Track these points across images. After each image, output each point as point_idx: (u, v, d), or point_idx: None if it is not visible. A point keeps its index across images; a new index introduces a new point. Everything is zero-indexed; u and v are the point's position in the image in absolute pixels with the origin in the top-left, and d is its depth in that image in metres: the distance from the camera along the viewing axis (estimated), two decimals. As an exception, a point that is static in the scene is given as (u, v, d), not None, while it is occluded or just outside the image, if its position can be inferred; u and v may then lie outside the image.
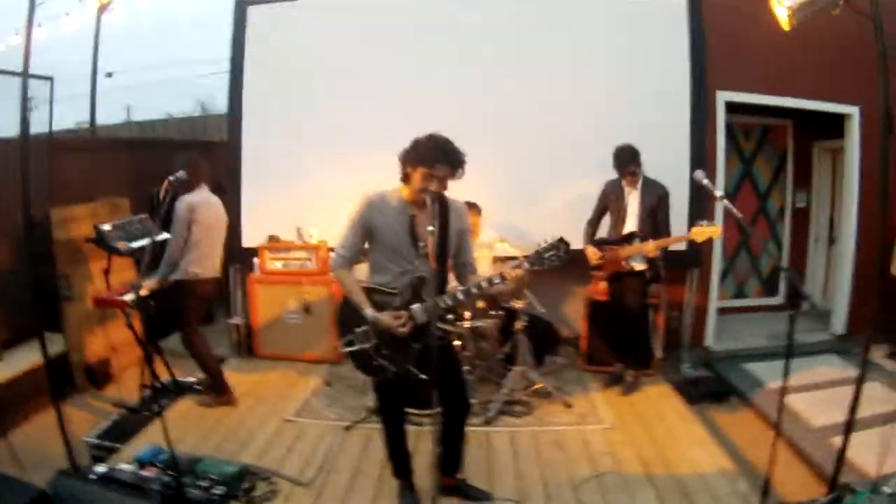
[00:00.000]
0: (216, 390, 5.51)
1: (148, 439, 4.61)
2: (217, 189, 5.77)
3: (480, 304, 5.49)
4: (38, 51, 4.17)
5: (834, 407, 5.14)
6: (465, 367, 5.12)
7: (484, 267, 5.71)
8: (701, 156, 6.57)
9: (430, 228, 3.17)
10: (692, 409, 5.55)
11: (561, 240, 3.39)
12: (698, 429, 5.12)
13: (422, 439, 4.42)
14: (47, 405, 4.92)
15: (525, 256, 3.42)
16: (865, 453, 4.28)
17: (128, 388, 5.73)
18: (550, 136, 6.76)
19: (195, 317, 5.53)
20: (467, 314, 5.39)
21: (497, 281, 3.46)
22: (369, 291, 3.54)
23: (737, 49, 6.70)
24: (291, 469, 4.41)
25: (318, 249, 6.61)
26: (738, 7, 6.48)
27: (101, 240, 5.66)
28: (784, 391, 3.45)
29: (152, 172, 5.36)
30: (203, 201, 5.30)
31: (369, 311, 3.45)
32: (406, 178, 3.49)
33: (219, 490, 3.95)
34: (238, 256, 7.02)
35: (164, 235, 5.35)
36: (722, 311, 7.42)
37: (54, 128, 8.49)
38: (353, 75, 6.97)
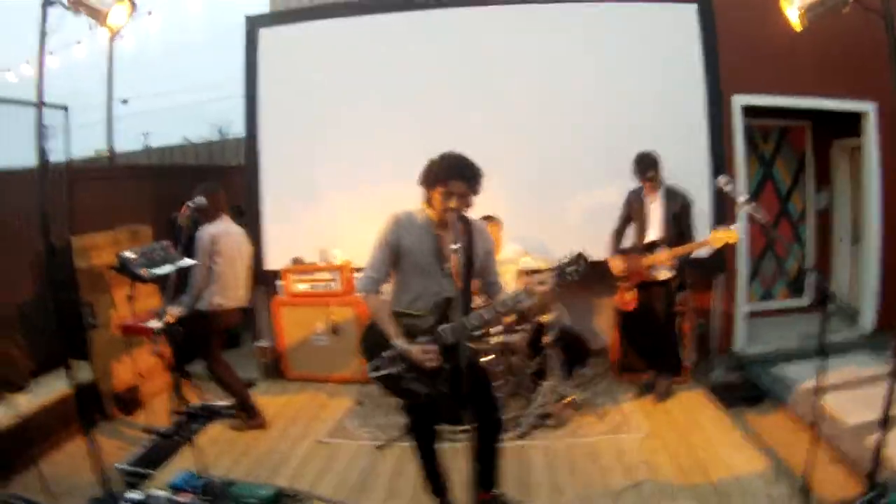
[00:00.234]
0: (248, 413, 5.50)
1: (180, 465, 4.62)
2: (237, 213, 5.77)
3: (508, 318, 5.44)
4: (51, 80, 4.20)
5: (867, 405, 5.05)
6: (496, 383, 5.08)
7: (508, 281, 5.69)
8: (720, 161, 6.54)
9: (454, 247, 3.15)
10: (726, 413, 5.50)
11: (580, 255, 3.36)
12: (733, 433, 5.08)
13: (457, 456, 4.38)
14: (76, 434, 4.93)
15: (549, 270, 3.40)
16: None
17: (157, 414, 5.74)
18: (568, 146, 6.74)
19: (217, 345, 5.54)
20: (496, 329, 5.35)
21: (522, 298, 3.42)
22: (396, 315, 3.50)
23: (750, 52, 6.67)
24: (326, 490, 4.39)
25: (342, 270, 6.59)
26: (749, 10, 6.45)
27: (124, 267, 5.66)
28: (819, 392, 3.39)
29: (172, 199, 5.38)
30: (224, 232, 5.33)
31: (399, 342, 3.41)
32: (429, 201, 3.50)
33: (255, 513, 3.93)
34: (262, 279, 7.01)
35: (187, 262, 5.34)
36: (750, 315, 7.33)
37: (73, 156, 8.53)
38: (369, 94, 6.97)
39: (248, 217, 7.02)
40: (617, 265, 5.77)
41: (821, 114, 7.36)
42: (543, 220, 6.68)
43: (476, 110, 6.76)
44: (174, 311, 5.15)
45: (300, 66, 7.15)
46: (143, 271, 5.65)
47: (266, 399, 5.96)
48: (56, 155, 7.84)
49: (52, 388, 5.53)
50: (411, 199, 3.59)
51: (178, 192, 5.12)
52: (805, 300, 8.46)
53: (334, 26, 7.09)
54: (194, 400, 5.76)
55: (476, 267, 3.59)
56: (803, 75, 6.79)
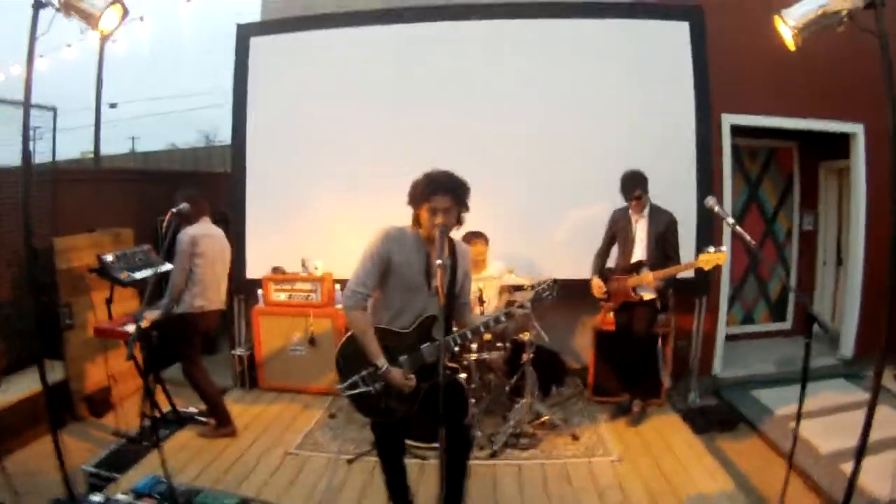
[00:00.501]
0: (217, 421, 5.45)
1: (147, 470, 4.56)
2: (221, 221, 5.75)
3: (487, 336, 5.42)
4: (40, 81, 4.18)
5: (842, 432, 5.09)
6: (471, 400, 5.05)
7: (491, 296, 5.69)
8: (707, 180, 6.52)
9: (440, 262, 3.11)
10: (700, 438, 5.47)
11: (554, 281, 3.64)
12: (707, 459, 5.04)
13: (426, 472, 4.35)
14: (45, 433, 4.89)
15: (528, 294, 3.65)
16: (875, 478, 4.25)
17: (127, 417, 5.69)
18: (556, 164, 6.72)
19: (197, 349, 5.50)
20: (473, 346, 5.32)
21: (503, 319, 3.50)
22: (379, 332, 3.44)
23: (740, 71, 6.67)
24: (293, 503, 4.34)
25: (322, 281, 6.56)
26: (740, 29, 6.46)
27: (103, 270, 5.65)
28: (798, 419, 3.38)
29: (155, 203, 5.35)
30: (205, 234, 5.28)
31: (383, 363, 3.37)
32: (416, 220, 3.46)
33: (218, 524, 3.89)
34: (242, 287, 6.98)
35: (167, 267, 5.32)
36: (730, 338, 7.34)
37: (59, 158, 8.51)
38: (358, 106, 6.94)
39: (233, 225, 6.97)
40: (600, 285, 5.75)
41: (808, 135, 7.38)
42: (529, 238, 6.65)
43: (464, 125, 6.73)
44: (151, 316, 5.12)
45: (290, 76, 7.11)
46: (122, 274, 5.67)
47: (239, 408, 5.93)
48: (43, 156, 7.86)
49: (23, 387, 5.51)
50: (396, 212, 3.55)
51: (163, 196, 5.09)
52: (787, 325, 8.47)
53: (325, 37, 7.06)
54: (165, 405, 5.72)
55: (455, 287, 3.58)
56: (792, 96, 6.81)
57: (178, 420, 5.70)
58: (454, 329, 3.59)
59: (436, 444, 3.42)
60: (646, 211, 5.53)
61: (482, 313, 5.21)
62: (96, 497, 4.00)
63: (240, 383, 6.77)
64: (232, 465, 4.94)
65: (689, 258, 5.64)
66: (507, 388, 5.77)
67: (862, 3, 3.60)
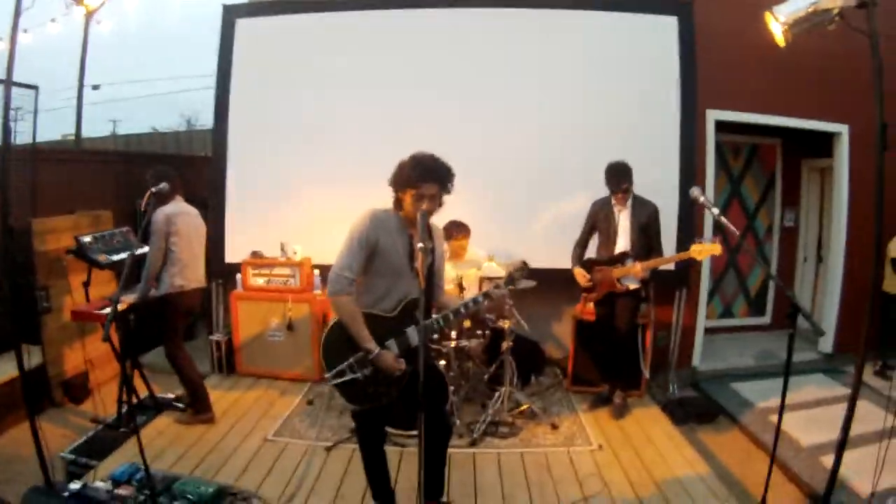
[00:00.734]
0: (196, 407, 5.40)
1: (125, 456, 4.52)
2: (200, 205, 5.69)
3: (467, 323, 5.41)
4: (23, 58, 4.10)
5: (823, 426, 5.15)
6: (450, 388, 5.04)
7: (471, 284, 5.67)
8: (690, 175, 6.53)
9: (421, 245, 3.08)
10: (680, 429, 5.49)
11: (524, 262, 3.68)
12: (686, 450, 5.06)
13: (405, 460, 4.33)
14: (23, 419, 4.82)
15: (504, 278, 3.66)
16: (855, 471, 4.31)
17: (105, 403, 5.62)
18: (537, 155, 6.73)
19: (180, 330, 5.45)
20: (452, 334, 5.31)
21: (481, 300, 3.49)
22: (366, 317, 3.38)
23: (727, 68, 6.70)
24: (271, 490, 4.31)
25: (301, 266, 6.51)
26: (729, 25, 6.48)
27: (81, 251, 5.59)
28: (781, 412, 3.40)
29: (136, 186, 5.28)
30: (180, 212, 5.21)
31: (374, 348, 3.33)
32: (398, 202, 3.44)
33: (196, 511, 3.86)
34: (221, 272, 6.92)
35: (145, 249, 5.25)
36: (709, 331, 7.39)
37: (39, 139, 8.39)
38: (342, 93, 6.91)
39: (212, 209, 6.92)
40: (584, 275, 5.72)
41: (792, 133, 7.42)
42: (509, 227, 6.66)
43: (448, 113, 6.72)
44: (128, 299, 5.05)
45: (274, 60, 7.06)
46: (100, 257, 5.61)
47: (217, 394, 5.86)
48: (23, 135, 7.75)
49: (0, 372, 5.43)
50: (377, 198, 3.51)
51: (143, 179, 5.03)
52: (766, 319, 8.54)
53: (311, 21, 7.02)
54: (143, 391, 5.66)
55: (434, 269, 3.56)
56: (779, 93, 6.86)
57: (156, 406, 5.64)
58: (434, 312, 3.58)
59: (415, 432, 3.40)
60: (629, 202, 5.52)
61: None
62: (75, 485, 3.97)
63: (217, 369, 6.70)
64: (210, 451, 4.89)
65: (670, 251, 5.67)
66: (485, 377, 5.77)
67: (854, 2, 3.61)
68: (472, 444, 5.01)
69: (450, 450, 3.88)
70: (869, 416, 4.84)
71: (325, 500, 4.21)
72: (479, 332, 5.49)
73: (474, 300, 3.48)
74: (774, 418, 3.56)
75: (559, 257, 5.95)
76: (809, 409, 5.84)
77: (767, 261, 8.44)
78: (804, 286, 8.43)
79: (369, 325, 3.37)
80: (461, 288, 5.52)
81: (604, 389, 5.97)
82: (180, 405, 5.63)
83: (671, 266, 6.04)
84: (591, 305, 5.97)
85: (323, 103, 6.93)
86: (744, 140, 8.15)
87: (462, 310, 3.50)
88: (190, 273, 5.28)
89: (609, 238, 5.62)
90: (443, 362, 5.29)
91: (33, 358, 5.50)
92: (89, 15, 7.89)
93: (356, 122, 6.82)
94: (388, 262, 3.40)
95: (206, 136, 9.69)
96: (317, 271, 6.54)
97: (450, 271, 5.74)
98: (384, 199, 3.50)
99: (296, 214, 6.89)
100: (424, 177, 3.28)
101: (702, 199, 3.96)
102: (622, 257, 5.52)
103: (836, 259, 7.28)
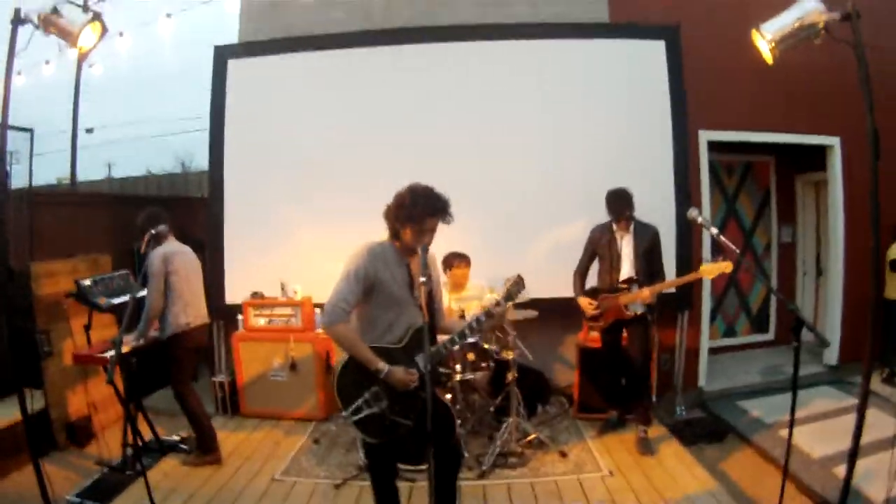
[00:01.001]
0: (203, 448, 5.35)
1: (131, 499, 4.51)
2: (197, 247, 5.68)
3: (471, 356, 5.38)
4: (17, 100, 4.11)
5: (832, 437, 5.14)
6: (457, 421, 5.01)
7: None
8: (685, 196, 6.56)
9: (423, 279, 3.08)
10: (689, 450, 5.47)
11: (519, 276, 3.58)
12: (697, 470, 5.05)
13: (415, 496, 4.29)
14: (26, 463, 4.79)
15: (503, 294, 3.57)
16: (868, 480, 4.32)
17: (109, 446, 5.58)
18: (533, 183, 6.75)
19: (189, 370, 5.43)
20: (458, 367, 5.29)
21: (483, 319, 3.49)
22: (374, 350, 3.38)
23: (717, 88, 6.77)
24: (281, 530, 4.27)
25: (302, 305, 6.48)
26: (716, 46, 6.55)
27: (81, 295, 5.57)
28: (791, 425, 3.39)
29: (133, 229, 5.28)
30: (175, 251, 5.21)
31: (383, 367, 3.31)
32: (395, 235, 3.43)
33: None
34: (222, 313, 6.87)
35: (144, 292, 5.24)
36: (713, 351, 7.37)
37: (34, 183, 8.41)
38: (336, 130, 6.93)
39: (210, 250, 6.92)
40: (590, 303, 5.60)
41: (785, 148, 7.47)
42: (508, 257, 6.56)
43: (443, 147, 6.73)
44: (130, 341, 5.03)
45: (268, 99, 7.08)
46: (100, 300, 5.59)
47: (222, 435, 5.78)
48: (19, 179, 7.75)
49: (2, 416, 5.38)
50: (376, 233, 3.52)
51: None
52: (769, 335, 8.53)
53: (304, 59, 7.05)
54: (147, 433, 5.61)
55: (433, 297, 3.57)
56: (768, 110, 6.92)
57: (161, 448, 5.60)
58: (438, 337, 3.61)
59: (425, 466, 3.39)
60: (631, 227, 5.46)
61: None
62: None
63: (221, 410, 6.65)
64: (217, 492, 4.84)
65: (670, 274, 5.65)
66: (491, 409, 5.73)
67: (838, 16, 3.65)
68: (482, 475, 4.96)
69: (459, 482, 3.85)
70: (878, 424, 4.82)
71: (336, 537, 4.18)
72: (483, 364, 5.44)
73: (477, 320, 3.48)
74: (783, 433, 3.57)
75: (559, 286, 5.93)
76: (818, 422, 5.83)
77: (768, 276, 8.44)
78: (805, 301, 8.44)
79: (383, 357, 3.35)
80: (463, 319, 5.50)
81: (611, 415, 5.93)
82: (185, 447, 5.58)
83: (672, 288, 6.02)
84: (594, 333, 5.93)
85: (318, 141, 6.94)
86: (737, 158, 8.19)
87: (466, 331, 3.49)
88: (193, 310, 5.27)
89: (612, 264, 5.53)
90: (448, 395, 5.25)
91: (36, 402, 5.48)
92: (82, 57, 7.91)
93: (351, 157, 6.83)
94: (388, 294, 3.40)
95: (202, 177, 9.71)
96: (318, 310, 6.48)
97: (452, 304, 5.74)
98: (383, 234, 3.50)
99: (294, 253, 6.87)
100: (426, 212, 3.29)
101: (700, 219, 3.97)
102: (628, 283, 5.44)
103: (836, 271, 7.30)
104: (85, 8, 3.94)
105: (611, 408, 5.99)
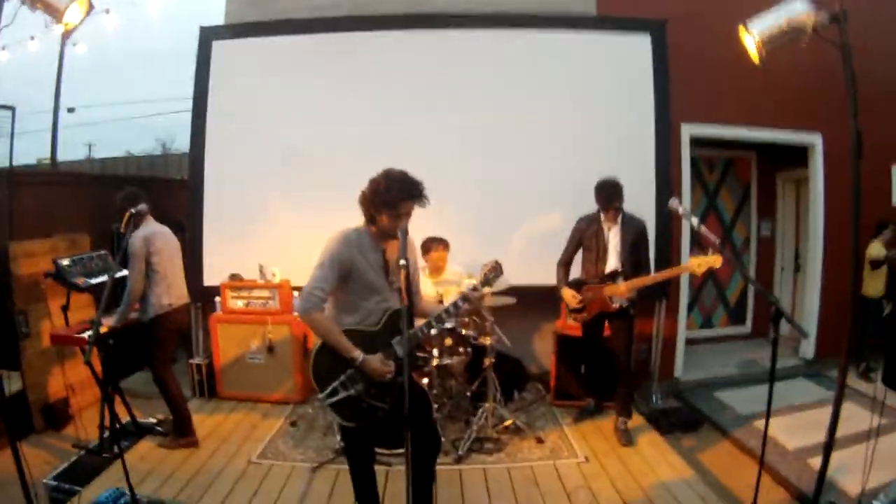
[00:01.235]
0: (180, 431, 5.34)
1: (108, 482, 4.46)
2: (178, 228, 5.66)
3: (448, 341, 5.40)
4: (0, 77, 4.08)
5: (808, 430, 5.20)
6: (434, 406, 5.03)
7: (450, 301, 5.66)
8: (666, 189, 6.58)
9: (403, 263, 3.09)
10: (665, 439, 5.53)
11: (497, 262, 3.66)
12: (673, 458, 5.11)
13: (391, 479, 4.31)
14: (3, 445, 4.75)
15: (480, 279, 3.64)
16: (843, 472, 4.39)
17: (87, 428, 5.53)
18: (515, 173, 6.77)
19: (170, 352, 5.42)
20: (435, 352, 5.30)
21: (461, 304, 3.54)
22: (349, 333, 3.39)
23: (701, 83, 6.80)
24: (258, 512, 4.27)
25: (280, 288, 6.47)
26: (701, 41, 6.58)
27: (59, 275, 5.52)
28: (768, 414, 3.42)
29: (113, 209, 5.24)
30: (157, 232, 5.18)
31: (358, 355, 3.32)
32: (371, 220, 3.44)
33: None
34: (199, 295, 6.82)
35: (123, 272, 5.21)
36: (690, 342, 7.42)
37: (14, 163, 8.32)
38: (319, 115, 6.92)
39: (190, 232, 6.88)
40: (574, 295, 5.53)
41: (766, 145, 7.51)
42: (488, 245, 6.49)
43: (426, 133, 6.74)
44: (109, 322, 5.00)
45: (251, 82, 7.03)
46: (79, 280, 5.55)
47: (198, 417, 5.77)
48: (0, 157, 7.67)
49: (-23, 399, 5.34)
50: (356, 220, 3.52)
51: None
52: (746, 328, 8.61)
53: (288, 42, 7.01)
54: (124, 415, 5.59)
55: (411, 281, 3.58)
56: (752, 106, 6.96)
57: (138, 431, 5.57)
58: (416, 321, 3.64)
59: (401, 450, 3.42)
60: (619, 218, 5.40)
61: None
62: (59, 512, 3.92)
63: (198, 393, 6.62)
64: (194, 475, 4.83)
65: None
66: (468, 394, 5.75)
67: (827, 18, 3.68)
68: (458, 460, 4.99)
69: (437, 465, 3.86)
70: (854, 418, 4.85)
71: (313, 520, 4.19)
72: (460, 349, 5.47)
73: (454, 304, 3.53)
74: (759, 424, 3.61)
75: (538, 274, 5.99)
76: (794, 414, 5.90)
77: (746, 267, 8.51)
78: (783, 295, 8.52)
79: (356, 342, 3.36)
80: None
81: (588, 403, 5.98)
82: (161, 430, 5.57)
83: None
84: (570, 321, 5.92)
85: (300, 125, 6.93)
86: (718, 154, 8.25)
87: (443, 315, 3.53)
88: (175, 291, 5.26)
89: (598, 256, 5.47)
90: (425, 380, 5.27)
91: (13, 384, 5.45)
92: (67, 34, 7.82)
93: (334, 142, 6.82)
94: (363, 280, 3.42)
95: (182, 159, 9.68)
96: (296, 293, 6.45)
97: (430, 289, 5.75)
98: (361, 220, 3.52)
99: (273, 237, 6.85)
100: (401, 196, 3.31)
101: (680, 209, 3.98)
102: (614, 276, 5.37)
103: (814, 267, 7.38)
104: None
105: (588, 396, 6.03)
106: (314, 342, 3.48)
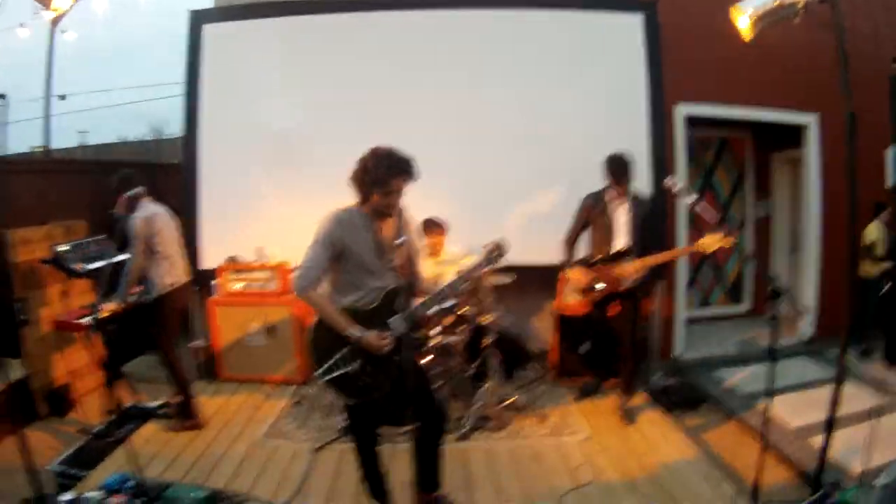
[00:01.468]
0: (185, 413, 5.35)
1: (113, 466, 4.48)
2: (174, 211, 5.65)
3: (448, 320, 5.41)
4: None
5: (809, 408, 5.22)
6: (435, 385, 5.05)
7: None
8: (662, 169, 6.56)
9: (399, 241, 3.09)
10: (666, 416, 5.55)
11: (499, 243, 3.65)
12: (674, 436, 5.14)
13: (396, 457, 4.34)
14: (7, 434, 4.74)
15: (482, 259, 3.62)
16: (843, 451, 4.37)
17: (90, 413, 5.56)
18: (510, 153, 6.76)
19: (175, 332, 5.41)
20: (434, 331, 5.33)
21: (459, 284, 3.57)
22: (345, 312, 3.41)
23: (694, 62, 6.79)
24: (263, 492, 4.30)
25: (279, 269, 6.47)
26: (695, 20, 6.58)
27: (57, 261, 5.50)
28: (770, 394, 3.45)
29: (108, 195, 5.23)
30: (155, 213, 5.17)
31: (355, 331, 3.33)
32: (364, 200, 3.44)
33: (190, 516, 3.83)
34: (197, 278, 6.74)
35: (121, 257, 5.19)
36: (688, 321, 7.43)
37: (8, 152, 8.26)
38: (314, 97, 6.93)
39: (185, 216, 6.82)
40: (582, 276, 5.38)
41: (762, 125, 7.52)
42: (485, 224, 6.48)
43: (420, 114, 6.73)
44: (109, 306, 5.00)
45: (244, 65, 7.02)
46: (77, 265, 5.53)
47: (201, 400, 5.76)
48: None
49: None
50: (351, 200, 3.52)
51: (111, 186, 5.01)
52: (744, 307, 8.65)
53: (281, 24, 7.00)
54: (127, 399, 5.59)
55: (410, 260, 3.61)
56: (747, 85, 6.95)
57: (141, 415, 5.57)
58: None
59: (408, 427, 3.44)
60: (628, 196, 5.25)
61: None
62: (67, 496, 3.92)
63: (200, 375, 6.60)
64: (199, 457, 4.85)
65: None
66: (468, 374, 5.74)
67: (817, -3, 3.68)
68: (461, 438, 5.02)
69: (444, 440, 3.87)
70: (854, 397, 4.91)
71: (318, 500, 4.21)
72: (460, 328, 5.49)
73: (452, 284, 3.55)
74: (759, 403, 3.61)
75: (536, 252, 5.96)
76: (794, 392, 5.88)
77: (742, 248, 8.55)
78: (780, 275, 8.53)
79: (355, 320, 3.38)
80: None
81: (587, 383, 5.99)
82: (164, 413, 5.57)
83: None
84: (571, 300, 5.91)
85: (294, 107, 6.93)
86: (714, 134, 8.25)
87: (442, 294, 3.54)
88: (177, 270, 5.28)
89: (606, 234, 5.30)
90: (426, 359, 5.28)
91: (15, 371, 5.43)
92: (56, 20, 7.79)
93: (328, 124, 6.81)
94: (356, 260, 3.43)
95: (175, 144, 9.61)
96: (296, 273, 6.46)
97: (428, 269, 5.74)
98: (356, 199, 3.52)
99: (270, 219, 6.84)
100: (391, 173, 3.31)
101: (677, 186, 3.98)
102: (623, 255, 5.22)
103: (812, 247, 7.40)
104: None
105: (590, 374, 6.03)
106: (313, 320, 3.50)
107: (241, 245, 6.74)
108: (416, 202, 3.53)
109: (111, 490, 3.95)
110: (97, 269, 5.62)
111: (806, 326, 7.48)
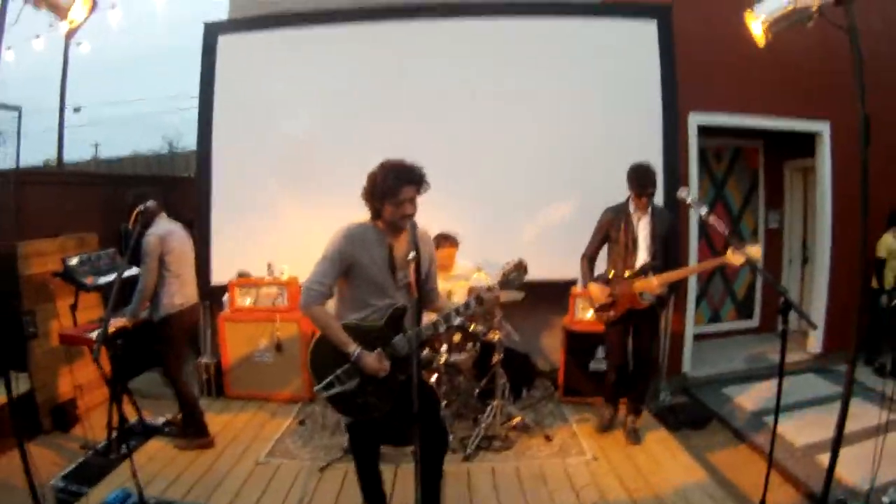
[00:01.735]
0: (194, 432, 5.33)
1: (116, 482, 4.46)
2: (187, 226, 5.66)
3: (456, 337, 5.39)
4: (5, 78, 4.09)
5: (816, 426, 5.18)
6: (442, 403, 5.03)
7: (460, 297, 5.62)
8: (675, 180, 6.51)
9: (412, 256, 3.07)
10: (673, 436, 5.50)
11: (521, 262, 3.49)
12: (681, 455, 5.08)
13: (400, 478, 4.31)
14: (11, 447, 4.76)
15: (499, 279, 3.49)
16: (851, 468, 4.33)
17: (94, 429, 5.53)
18: (523, 165, 6.73)
19: (182, 351, 5.42)
20: (443, 349, 5.30)
21: (472, 305, 3.45)
22: (348, 329, 3.38)
23: (708, 71, 6.73)
24: (266, 511, 4.28)
25: (289, 286, 6.45)
26: (708, 28, 6.53)
27: (68, 274, 5.54)
28: (777, 411, 3.41)
29: (120, 208, 5.25)
30: (170, 231, 5.16)
31: (354, 349, 3.30)
32: (376, 214, 3.43)
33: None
34: (208, 294, 6.80)
35: (133, 271, 5.21)
36: (698, 337, 7.37)
37: (22, 164, 8.33)
38: (327, 109, 6.91)
39: (197, 230, 6.83)
40: (601, 291, 5.21)
41: (774, 134, 7.47)
42: (497, 239, 6.58)
43: (433, 126, 6.70)
44: (117, 322, 5.01)
45: (258, 77, 7.02)
46: (87, 279, 5.56)
47: (207, 417, 5.73)
48: (7, 158, 7.68)
49: (-15, 400, 5.36)
50: (363, 215, 3.51)
51: (125, 201, 5.02)
52: (754, 322, 8.58)
53: (296, 35, 6.99)
54: (133, 415, 5.60)
55: (422, 276, 3.53)
56: (759, 94, 6.89)
57: (145, 431, 5.58)
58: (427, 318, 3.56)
59: (410, 448, 3.41)
60: (649, 209, 5.11)
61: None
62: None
63: (206, 392, 6.60)
64: (202, 475, 4.84)
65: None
66: (476, 391, 5.73)
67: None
68: (466, 458, 4.98)
69: (444, 463, 3.85)
70: (862, 414, 4.84)
71: (321, 520, 4.20)
72: (468, 345, 5.46)
73: (466, 305, 3.46)
74: (767, 420, 3.58)
75: (547, 268, 5.90)
76: (802, 410, 5.85)
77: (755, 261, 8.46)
78: (791, 288, 8.47)
79: (358, 338, 3.35)
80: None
81: (606, 414, 5.62)
82: (169, 430, 5.57)
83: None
84: (582, 316, 5.87)
85: (308, 120, 6.92)
86: (726, 143, 8.20)
87: (452, 315, 3.47)
88: (188, 290, 5.27)
89: (627, 249, 5.14)
90: (434, 377, 5.27)
91: (21, 385, 5.45)
92: (71, 32, 7.85)
93: (341, 136, 6.79)
94: (366, 276, 3.41)
95: (189, 157, 9.68)
96: (304, 288, 6.44)
97: (439, 284, 5.72)
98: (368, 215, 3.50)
99: (282, 235, 6.82)
100: (400, 182, 3.29)
101: (689, 199, 3.95)
102: (645, 270, 5.04)
103: (822, 259, 7.32)
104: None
105: (600, 395, 5.79)
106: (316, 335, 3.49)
107: (252, 261, 6.71)
108: (427, 214, 3.48)
109: (112, 508, 3.97)
110: (107, 284, 5.65)
111: (814, 342, 7.38)
